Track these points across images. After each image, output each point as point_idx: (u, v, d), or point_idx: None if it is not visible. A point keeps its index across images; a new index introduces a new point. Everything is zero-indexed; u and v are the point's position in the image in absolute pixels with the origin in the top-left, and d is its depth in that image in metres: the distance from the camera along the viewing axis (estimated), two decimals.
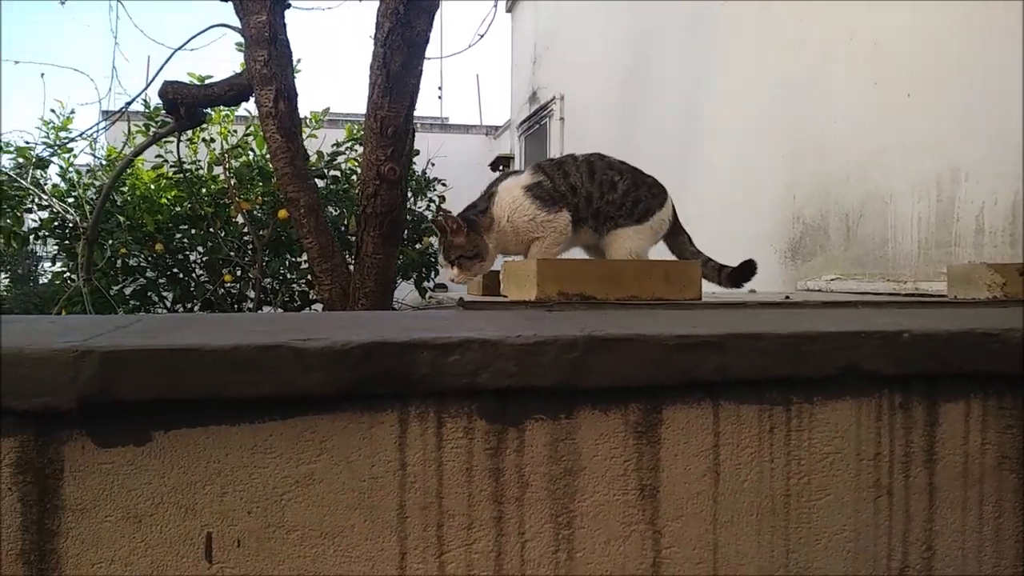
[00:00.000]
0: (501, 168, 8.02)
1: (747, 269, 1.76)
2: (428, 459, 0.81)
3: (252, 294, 3.93)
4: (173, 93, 2.69)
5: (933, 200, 2.29)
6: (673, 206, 1.78)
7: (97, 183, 4.02)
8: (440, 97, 11.97)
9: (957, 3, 2.26)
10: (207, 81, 3.05)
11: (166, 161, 3.87)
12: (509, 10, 8.29)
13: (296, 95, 2.53)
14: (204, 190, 3.90)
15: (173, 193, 3.92)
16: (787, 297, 1.80)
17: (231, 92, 2.71)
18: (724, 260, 1.79)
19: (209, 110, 3.28)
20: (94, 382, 0.70)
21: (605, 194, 1.69)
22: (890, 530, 0.94)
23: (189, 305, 4.02)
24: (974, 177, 2.19)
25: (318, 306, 4.06)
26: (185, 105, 2.71)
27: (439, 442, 0.81)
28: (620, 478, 0.86)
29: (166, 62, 3.03)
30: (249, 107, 3.35)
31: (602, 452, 0.85)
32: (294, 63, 2.60)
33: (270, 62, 2.46)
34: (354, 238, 3.41)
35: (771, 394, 0.89)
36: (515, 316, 1.08)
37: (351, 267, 2.53)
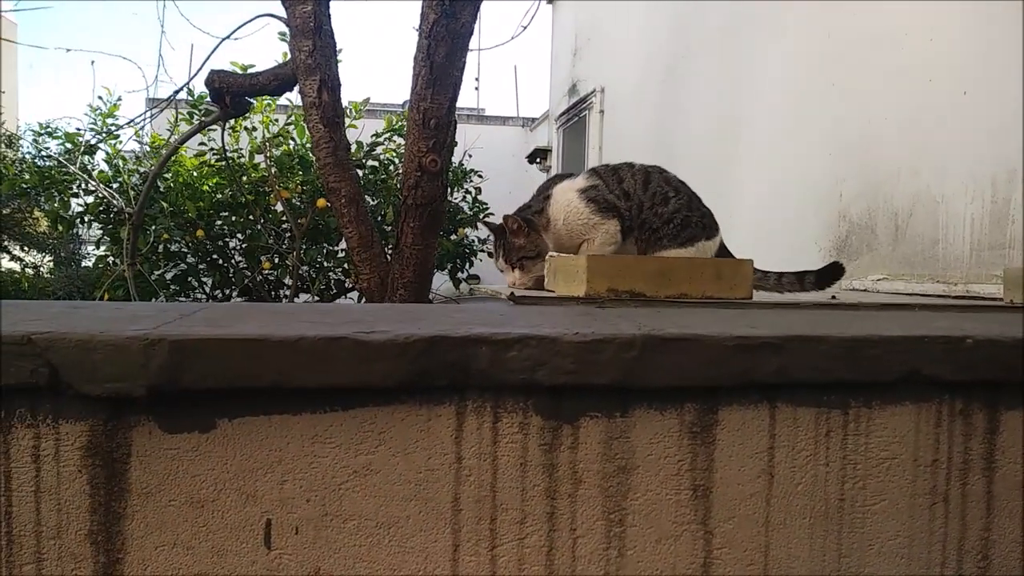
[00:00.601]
0: (539, 160, 8.00)
1: (834, 270, 1.76)
2: (483, 453, 0.81)
3: (289, 281, 3.98)
4: (220, 82, 2.72)
5: (988, 201, 2.23)
6: (722, 243, 1.77)
7: (142, 169, 4.10)
8: (477, 88, 11.94)
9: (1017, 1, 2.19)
10: (251, 70, 3.08)
11: (211, 149, 3.93)
12: (550, 1, 8.24)
13: (339, 85, 2.54)
14: (245, 178, 3.95)
15: (215, 181, 3.98)
16: (833, 297, 1.77)
17: (275, 82, 2.74)
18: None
19: (252, 99, 3.32)
20: (164, 370, 0.72)
21: (656, 205, 1.69)
22: (945, 537, 0.93)
23: (227, 291, 4.08)
24: None
25: (353, 294, 4.10)
26: (231, 94, 2.74)
27: (495, 436, 0.81)
28: (673, 477, 0.86)
29: (213, 51, 3.08)
30: (290, 96, 3.39)
31: (656, 451, 0.85)
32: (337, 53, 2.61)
33: (315, 52, 2.48)
34: (391, 228, 3.43)
35: (829, 397, 0.88)
36: (568, 312, 1.08)
37: (389, 257, 2.55)
